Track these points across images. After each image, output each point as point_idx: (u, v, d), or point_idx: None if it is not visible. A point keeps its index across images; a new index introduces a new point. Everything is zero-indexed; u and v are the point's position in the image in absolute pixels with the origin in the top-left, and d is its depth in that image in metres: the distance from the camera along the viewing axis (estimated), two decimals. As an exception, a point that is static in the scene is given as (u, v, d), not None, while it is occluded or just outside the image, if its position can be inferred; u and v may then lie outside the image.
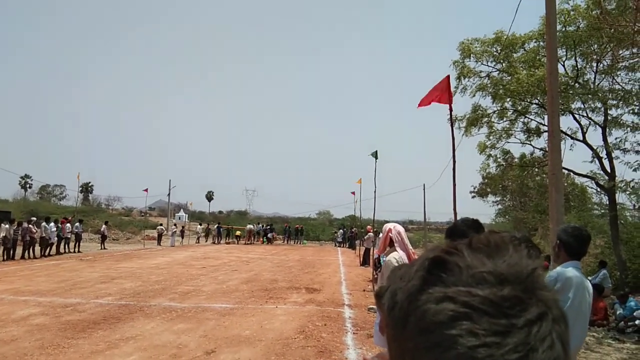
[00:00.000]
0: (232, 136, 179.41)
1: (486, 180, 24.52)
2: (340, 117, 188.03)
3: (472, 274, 0.43)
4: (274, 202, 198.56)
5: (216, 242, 37.26)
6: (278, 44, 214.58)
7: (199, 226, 39.75)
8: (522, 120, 16.58)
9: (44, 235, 20.04)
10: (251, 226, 40.05)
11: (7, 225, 18.53)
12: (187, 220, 52.89)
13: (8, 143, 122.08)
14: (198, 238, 37.02)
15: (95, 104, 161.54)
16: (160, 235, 32.61)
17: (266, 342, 6.76)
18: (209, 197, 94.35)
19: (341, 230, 40.36)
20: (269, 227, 41.89)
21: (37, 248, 19.90)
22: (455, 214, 5.76)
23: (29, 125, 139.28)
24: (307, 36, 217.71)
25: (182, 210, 60.81)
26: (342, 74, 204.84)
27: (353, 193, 33.49)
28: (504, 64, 15.57)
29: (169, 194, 50.84)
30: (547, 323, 0.41)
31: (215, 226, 39.49)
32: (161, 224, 35.97)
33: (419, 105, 6.64)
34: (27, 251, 19.34)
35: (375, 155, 14.37)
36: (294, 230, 41.98)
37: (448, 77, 6.52)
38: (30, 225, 19.55)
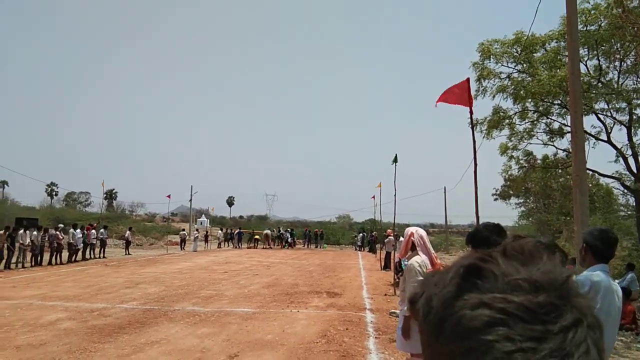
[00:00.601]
0: (253, 141, 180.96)
1: (508, 183, 24.20)
2: (361, 120, 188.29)
3: (507, 281, 0.44)
4: (294, 206, 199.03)
5: (237, 247, 37.54)
6: (299, 49, 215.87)
7: (219, 231, 40.05)
8: (544, 121, 16.36)
9: (71, 241, 20.55)
10: (267, 231, 40.07)
11: (34, 232, 19.04)
12: (208, 225, 53.45)
13: (35, 152, 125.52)
14: (219, 243, 37.33)
15: (119, 112, 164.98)
16: (183, 240, 33.03)
17: (288, 346, 6.79)
18: (230, 202, 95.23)
19: (361, 234, 40.22)
20: (288, 231, 42.16)
21: (65, 254, 20.38)
22: (478, 217, 5.71)
23: (54, 133, 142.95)
24: (328, 42, 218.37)
25: (203, 215, 61.48)
26: (363, 78, 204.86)
27: (373, 197, 33.46)
28: (524, 65, 15.40)
29: (190, 200, 51.45)
30: (582, 329, 0.42)
31: (236, 231, 39.77)
32: (183, 230, 36.41)
33: (437, 101, 6.58)
34: (54, 257, 19.83)
35: (395, 159, 14.32)
36: (314, 235, 42.00)
37: (468, 79, 6.47)
38: (57, 232, 20.06)
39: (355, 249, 39.18)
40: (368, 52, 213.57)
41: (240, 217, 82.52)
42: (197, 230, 36.35)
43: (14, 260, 17.98)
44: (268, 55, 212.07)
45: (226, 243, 38.29)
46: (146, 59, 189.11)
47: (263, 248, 37.26)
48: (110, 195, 71.51)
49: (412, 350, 4.13)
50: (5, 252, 17.41)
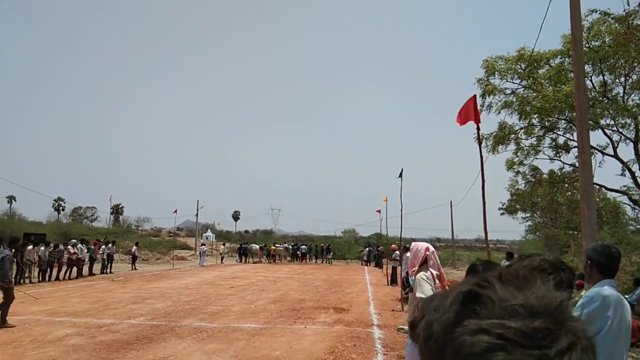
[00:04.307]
0: (259, 156, 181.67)
1: (514, 197, 24.13)
2: (366, 134, 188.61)
3: (504, 306, 0.46)
4: (299, 220, 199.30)
5: (241, 261, 37.63)
6: (303, 62, 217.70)
7: (222, 246, 40.35)
8: (550, 136, 16.38)
9: (80, 256, 20.66)
10: (256, 246, 40.41)
11: (42, 247, 19.14)
12: (214, 240, 53.51)
13: (41, 167, 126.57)
14: (222, 257, 37.38)
15: (124, 128, 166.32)
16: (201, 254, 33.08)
17: (296, 362, 6.78)
18: (236, 216, 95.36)
19: (367, 249, 40.08)
20: (294, 245, 42.98)
21: (74, 269, 20.47)
22: (486, 232, 5.73)
23: (60, 149, 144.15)
24: (335, 57, 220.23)
25: (209, 230, 61.54)
26: (367, 92, 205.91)
27: (378, 211, 33.38)
28: (529, 81, 15.48)
29: (197, 214, 51.54)
30: (576, 353, 0.44)
31: (239, 246, 40.64)
32: (203, 244, 36.33)
33: (460, 122, 6.67)
34: (62, 272, 19.90)
35: (400, 174, 14.38)
36: (320, 249, 41.96)
37: (474, 96, 6.56)
38: (69, 247, 20.15)
39: (362, 264, 39.01)
40: (374, 66, 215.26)
41: (246, 231, 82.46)
42: (203, 244, 36.37)
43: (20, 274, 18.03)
44: (273, 70, 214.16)
45: (242, 257, 38.51)
46: (155, 74, 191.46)
47: (269, 263, 37.31)
48: (116, 210, 71.86)
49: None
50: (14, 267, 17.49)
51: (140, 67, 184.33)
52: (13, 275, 17.24)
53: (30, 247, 18.25)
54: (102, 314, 10.75)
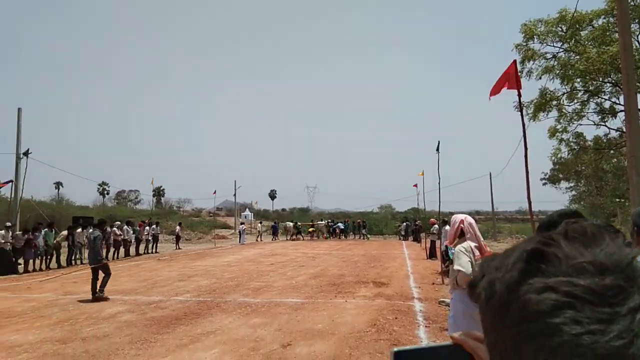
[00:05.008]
0: (293, 134, 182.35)
1: (557, 166, 23.38)
2: (402, 108, 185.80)
3: (571, 264, 0.44)
4: (335, 197, 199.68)
5: (274, 239, 39.24)
6: (340, 37, 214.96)
7: (259, 224, 41.86)
8: (594, 100, 15.67)
9: (126, 237, 21.56)
10: (290, 223, 41.73)
11: (90, 230, 19.98)
12: (252, 218, 54.53)
13: (87, 152, 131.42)
14: (260, 235, 39.00)
15: (165, 112, 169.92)
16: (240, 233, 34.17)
17: (339, 335, 6.91)
18: (272, 195, 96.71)
19: (405, 224, 39.88)
20: (331, 221, 43.58)
21: (121, 250, 21.39)
22: (530, 202, 5.59)
23: (103, 135, 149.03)
24: (368, 29, 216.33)
25: (247, 209, 62.63)
26: (402, 65, 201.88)
27: (415, 185, 33.12)
28: (571, 43, 14.77)
29: (235, 194, 52.52)
30: None
31: (272, 224, 43.02)
32: (242, 223, 37.39)
33: (490, 95, 6.47)
34: (110, 253, 20.83)
35: (438, 147, 14.15)
36: (358, 225, 42.12)
37: (515, 62, 6.32)
38: (114, 229, 21.04)
39: (400, 239, 38.92)
40: (407, 37, 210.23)
41: (283, 209, 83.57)
42: (242, 223, 37.19)
43: (72, 256, 18.99)
44: (307, 46, 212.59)
45: (275, 235, 40.32)
46: (188, 59, 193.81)
47: (309, 239, 38.09)
48: (158, 193, 74.10)
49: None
50: (66, 249, 18.42)
51: (179, 50, 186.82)
52: (66, 257, 18.36)
53: (79, 229, 19.11)
54: (150, 291, 11.22)
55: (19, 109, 20.47)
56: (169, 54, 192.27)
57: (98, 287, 10.33)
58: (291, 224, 41.13)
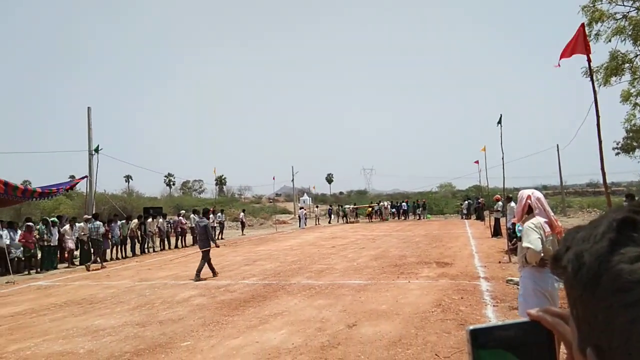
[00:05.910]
0: (348, 117, 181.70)
1: (632, 134, 21.78)
2: (459, 82, 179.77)
3: None
4: (392, 178, 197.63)
5: (330, 222, 40.42)
6: (400, 17, 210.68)
7: (315, 208, 43.57)
8: (672, 60, 14.38)
9: (193, 225, 22.49)
10: (349, 206, 42.62)
11: (160, 219, 21.10)
12: (310, 203, 55.25)
13: (153, 146, 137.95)
14: (317, 219, 40.30)
15: (223, 103, 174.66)
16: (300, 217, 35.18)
17: (404, 315, 6.89)
18: (329, 179, 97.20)
19: (467, 202, 38.88)
20: (391, 202, 43.71)
21: (189, 237, 22.39)
22: (604, 173, 5.26)
23: (167, 128, 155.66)
24: (430, 6, 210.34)
25: (305, 194, 63.49)
26: (463, 38, 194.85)
27: (477, 162, 32.03)
28: (644, 0, 13.59)
29: (293, 180, 53.33)
30: None
31: (328, 208, 44.90)
32: (302, 207, 38.33)
33: (560, 58, 6.10)
34: (179, 241, 21.89)
35: (499, 121, 13.58)
36: (418, 205, 41.55)
37: (583, 25, 5.91)
38: (180, 218, 22.03)
39: (462, 218, 38.04)
40: (467, 11, 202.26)
41: (340, 193, 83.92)
42: (301, 208, 37.81)
43: (144, 245, 20.12)
44: (368, 25, 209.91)
45: (330, 218, 41.72)
46: (243, 49, 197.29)
47: (369, 221, 38.15)
48: (220, 181, 76.63)
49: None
50: (139, 238, 19.53)
51: (235, 41, 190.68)
52: (139, 245, 19.46)
53: (150, 219, 20.17)
54: (219, 276, 11.67)
55: (89, 108, 21.61)
56: (226, 54, 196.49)
57: (210, 269, 11.57)
58: (349, 207, 41.49)
